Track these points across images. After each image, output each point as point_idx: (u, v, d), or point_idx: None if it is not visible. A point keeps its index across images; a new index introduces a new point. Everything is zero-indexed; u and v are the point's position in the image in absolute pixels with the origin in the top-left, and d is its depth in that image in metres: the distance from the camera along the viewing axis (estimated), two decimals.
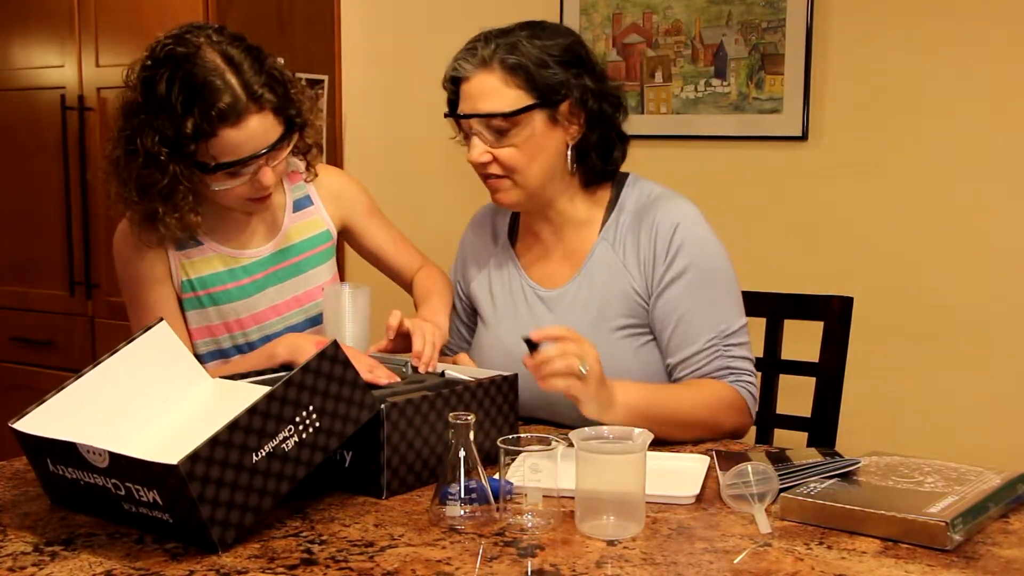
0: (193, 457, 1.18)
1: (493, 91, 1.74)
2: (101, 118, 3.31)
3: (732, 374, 1.75)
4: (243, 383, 1.54)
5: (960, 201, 2.62)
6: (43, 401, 1.39)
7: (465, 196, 3.32)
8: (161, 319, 1.53)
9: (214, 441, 1.20)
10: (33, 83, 3.46)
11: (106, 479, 1.27)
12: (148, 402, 1.45)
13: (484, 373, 1.63)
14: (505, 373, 1.61)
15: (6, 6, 3.50)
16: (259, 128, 1.71)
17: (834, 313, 2.05)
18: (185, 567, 1.19)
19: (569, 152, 1.79)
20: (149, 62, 1.71)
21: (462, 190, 3.33)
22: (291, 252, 1.93)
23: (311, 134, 1.85)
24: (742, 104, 2.84)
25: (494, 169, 1.77)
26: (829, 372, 2.04)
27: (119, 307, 3.32)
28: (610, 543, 1.25)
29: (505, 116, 1.73)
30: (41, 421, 1.37)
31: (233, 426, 1.22)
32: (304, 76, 2.99)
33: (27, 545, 1.26)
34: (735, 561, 1.20)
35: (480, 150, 1.76)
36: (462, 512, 1.30)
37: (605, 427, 1.35)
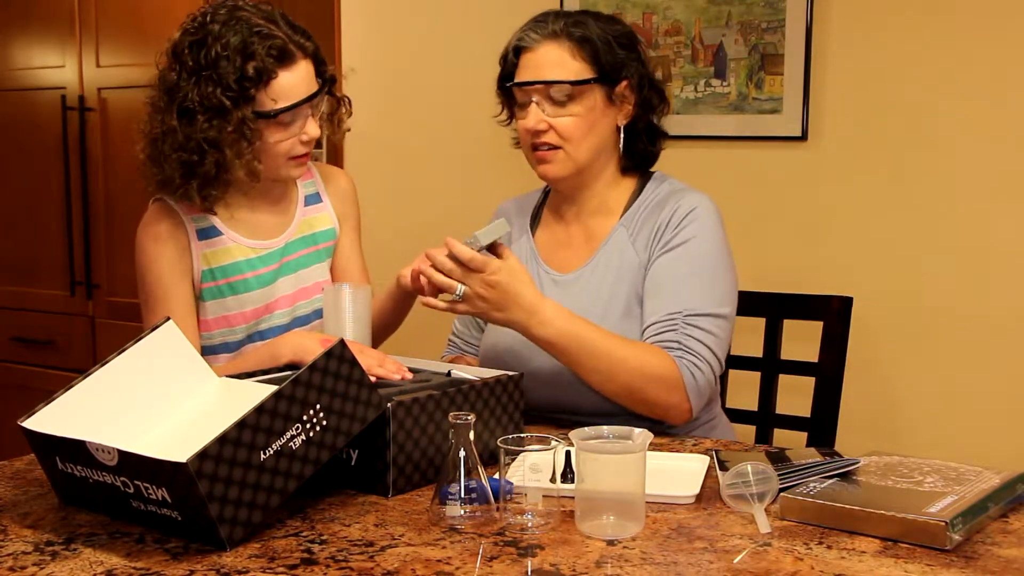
0: (202, 455, 1.19)
1: (559, 61, 1.80)
2: (102, 118, 3.31)
3: (681, 350, 1.71)
4: (250, 382, 1.55)
5: (960, 201, 2.62)
6: (52, 399, 1.40)
7: (466, 195, 3.33)
8: (168, 318, 1.54)
9: (222, 439, 1.21)
10: (33, 83, 3.47)
11: (115, 477, 1.27)
12: (156, 401, 1.45)
13: (490, 373, 1.64)
14: (511, 372, 1.62)
15: (6, 6, 3.50)
16: (306, 73, 1.82)
17: (834, 313, 2.05)
18: (186, 566, 1.19)
19: (621, 133, 1.87)
20: (192, 29, 1.81)
21: (463, 189, 3.34)
22: (302, 244, 1.99)
23: (338, 89, 1.96)
24: (742, 104, 2.85)
25: (549, 138, 1.82)
26: (828, 372, 2.04)
27: (119, 307, 3.34)
28: (610, 543, 1.25)
29: (571, 84, 1.79)
30: (50, 419, 1.37)
31: (241, 424, 1.22)
32: None
33: (28, 545, 1.26)
34: (735, 561, 1.20)
35: (538, 117, 1.81)
36: (462, 512, 1.31)
37: (605, 427, 1.35)
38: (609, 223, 1.89)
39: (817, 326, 2.07)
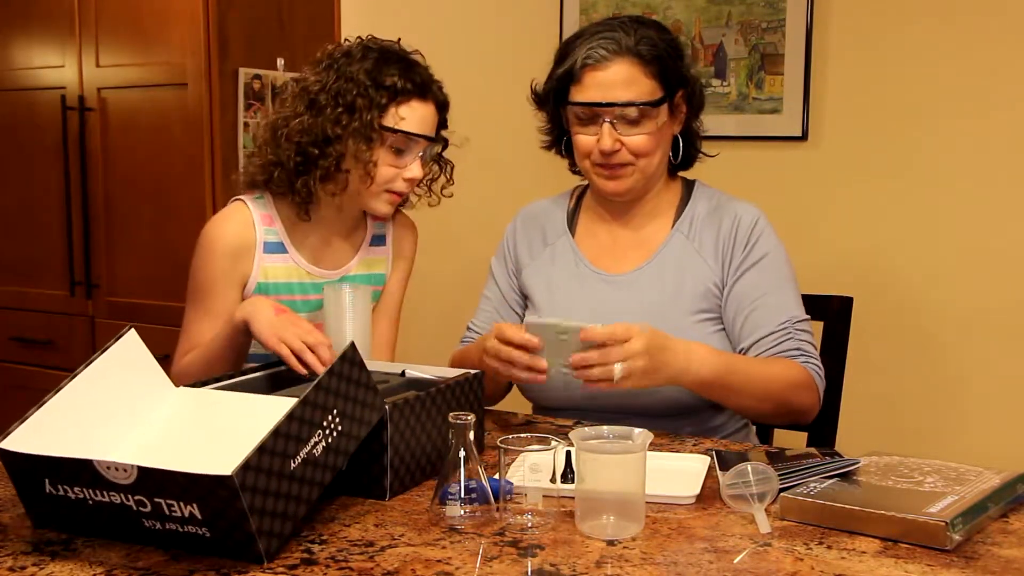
0: (245, 467, 1.14)
1: (631, 80, 1.79)
2: (101, 118, 3.31)
3: (803, 355, 1.80)
4: (207, 390, 1.52)
5: (960, 201, 2.62)
6: (24, 419, 1.32)
7: (465, 195, 3.32)
8: (130, 327, 1.47)
9: (261, 449, 1.17)
10: (33, 83, 3.46)
11: (127, 496, 1.20)
12: (119, 415, 1.40)
13: (452, 372, 1.64)
14: (473, 371, 1.61)
15: (6, 6, 3.50)
16: (430, 114, 1.88)
17: (834, 313, 2.05)
18: (186, 567, 1.19)
19: (679, 140, 1.89)
20: (346, 44, 1.90)
21: (465, 190, 3.33)
22: (357, 281, 1.99)
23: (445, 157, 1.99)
24: (742, 104, 2.85)
25: (621, 157, 1.82)
26: (829, 372, 2.04)
27: (119, 307, 3.34)
28: (610, 543, 1.25)
29: (652, 105, 1.79)
30: (25, 440, 1.29)
31: (276, 433, 1.19)
32: None
33: (27, 545, 1.26)
34: (735, 561, 1.20)
35: (613, 138, 1.80)
36: (462, 512, 1.30)
37: (605, 427, 1.35)
38: (662, 226, 1.92)
39: (817, 326, 2.07)
